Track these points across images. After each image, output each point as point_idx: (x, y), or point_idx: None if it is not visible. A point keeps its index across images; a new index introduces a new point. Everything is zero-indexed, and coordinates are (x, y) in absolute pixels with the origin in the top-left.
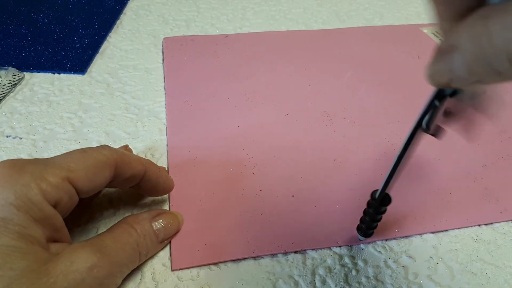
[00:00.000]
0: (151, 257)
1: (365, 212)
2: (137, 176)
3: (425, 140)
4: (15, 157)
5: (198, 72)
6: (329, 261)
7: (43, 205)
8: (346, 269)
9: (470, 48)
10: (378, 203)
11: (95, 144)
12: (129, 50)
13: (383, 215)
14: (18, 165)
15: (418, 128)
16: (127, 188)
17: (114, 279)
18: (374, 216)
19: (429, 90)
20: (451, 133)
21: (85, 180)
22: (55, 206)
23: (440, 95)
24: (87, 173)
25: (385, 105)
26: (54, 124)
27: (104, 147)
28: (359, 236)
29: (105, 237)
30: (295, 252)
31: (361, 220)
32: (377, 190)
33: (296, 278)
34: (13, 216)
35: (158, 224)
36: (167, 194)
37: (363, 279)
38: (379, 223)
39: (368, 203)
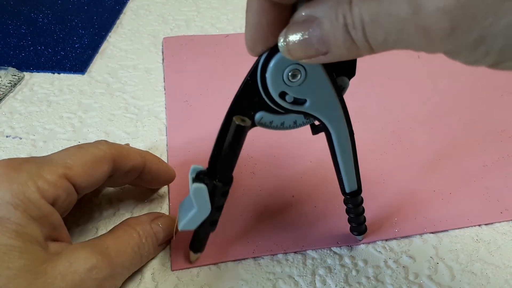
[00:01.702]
0: None
1: (346, 211)
2: (137, 168)
3: (425, 140)
4: (14, 157)
5: (198, 72)
6: (329, 261)
7: (40, 203)
8: (346, 269)
9: (331, 17)
10: (351, 196)
11: None
12: (129, 50)
13: (380, 211)
14: (15, 164)
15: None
16: (127, 186)
17: (114, 281)
18: (355, 209)
19: (429, 88)
20: (451, 133)
21: (83, 176)
22: (53, 203)
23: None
24: (85, 169)
25: (384, 105)
26: (53, 124)
27: (101, 142)
28: (357, 236)
29: (106, 238)
30: (295, 252)
31: (348, 221)
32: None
33: (296, 278)
34: (10, 214)
35: (157, 226)
36: (167, 195)
37: (363, 279)
38: (378, 223)
39: (344, 201)
